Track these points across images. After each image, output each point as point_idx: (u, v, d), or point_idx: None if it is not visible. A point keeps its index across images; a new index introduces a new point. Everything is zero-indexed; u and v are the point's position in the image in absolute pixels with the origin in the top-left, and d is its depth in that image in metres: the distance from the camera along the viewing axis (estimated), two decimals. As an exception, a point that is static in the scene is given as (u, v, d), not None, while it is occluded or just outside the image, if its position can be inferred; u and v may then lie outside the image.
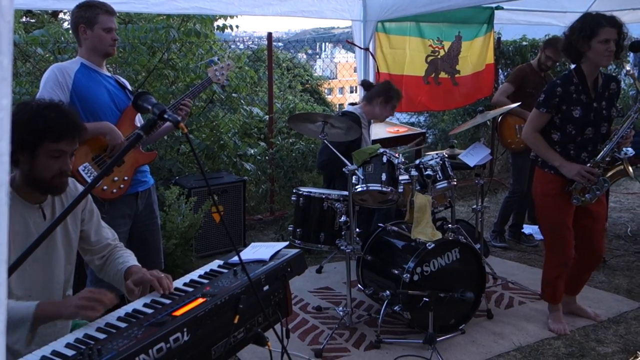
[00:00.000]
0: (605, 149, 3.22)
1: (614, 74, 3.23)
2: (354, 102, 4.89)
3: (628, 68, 3.07)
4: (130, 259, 2.20)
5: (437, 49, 6.12)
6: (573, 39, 3.12)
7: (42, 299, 1.96)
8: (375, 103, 4.32)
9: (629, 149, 4.93)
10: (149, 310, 1.80)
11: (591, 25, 3.05)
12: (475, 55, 6.40)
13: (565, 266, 3.42)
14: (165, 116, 1.62)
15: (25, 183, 1.98)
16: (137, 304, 1.86)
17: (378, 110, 4.35)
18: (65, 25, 6.88)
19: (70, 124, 1.96)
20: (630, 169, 3.31)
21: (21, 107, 1.98)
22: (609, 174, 3.28)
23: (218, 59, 3.26)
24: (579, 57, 3.16)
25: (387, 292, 3.35)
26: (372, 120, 4.59)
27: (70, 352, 1.56)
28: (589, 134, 3.21)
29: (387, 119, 6.32)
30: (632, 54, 8.07)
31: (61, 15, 7.73)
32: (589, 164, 3.23)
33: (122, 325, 1.70)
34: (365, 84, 4.57)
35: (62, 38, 4.99)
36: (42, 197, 2.06)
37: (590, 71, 3.19)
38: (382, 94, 4.30)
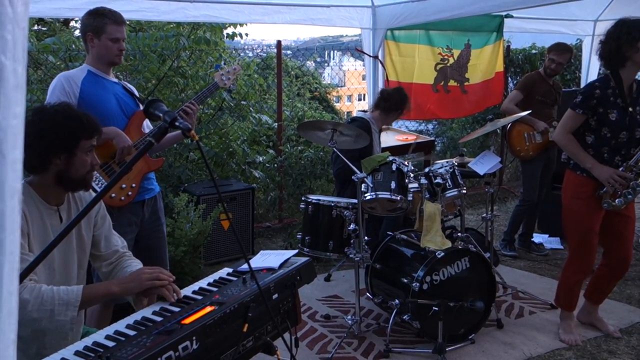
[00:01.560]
0: (638, 153, 3.20)
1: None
2: (364, 109, 4.90)
3: None
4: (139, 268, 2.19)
5: (446, 57, 6.12)
6: (621, 43, 3.11)
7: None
8: (392, 115, 4.45)
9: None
10: (158, 318, 1.79)
11: (638, 28, 3.06)
12: (484, 63, 6.39)
13: (587, 273, 3.40)
14: (177, 124, 1.62)
15: (54, 183, 2.01)
16: (147, 312, 1.85)
17: (391, 118, 4.52)
18: (77, 33, 6.94)
19: (93, 118, 2.04)
20: None
21: (42, 112, 2.01)
22: None
23: (224, 64, 3.25)
24: (623, 62, 3.16)
25: (396, 300, 3.33)
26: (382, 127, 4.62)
27: (79, 360, 1.56)
28: (623, 137, 3.19)
29: (396, 127, 6.32)
30: None
31: (72, 23, 7.79)
32: (621, 168, 3.21)
33: (131, 333, 1.69)
34: (384, 95, 4.54)
35: (74, 46, 5.02)
36: (61, 199, 2.09)
37: (630, 76, 3.19)
38: (399, 107, 4.39)
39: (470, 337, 3.40)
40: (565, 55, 4.80)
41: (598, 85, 3.20)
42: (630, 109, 3.17)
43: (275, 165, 5.89)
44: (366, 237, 3.57)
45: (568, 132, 3.29)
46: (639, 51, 3.09)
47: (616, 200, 3.22)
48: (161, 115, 1.69)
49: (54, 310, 1.81)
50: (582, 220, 3.32)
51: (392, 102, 4.36)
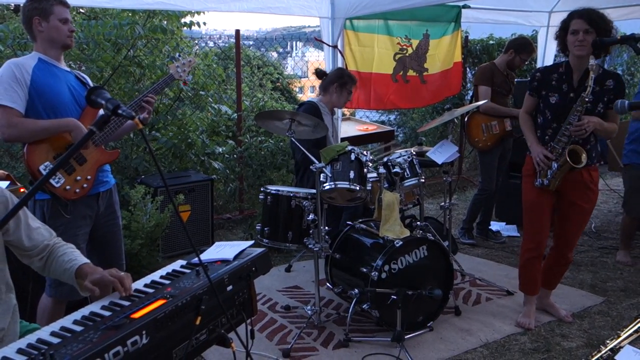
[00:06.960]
0: (559, 132, 3.27)
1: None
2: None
3: (591, 62, 3.10)
4: (76, 255, 2.09)
5: (405, 47, 6.13)
6: (562, 33, 3.27)
7: None
8: (331, 91, 4.38)
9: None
10: (107, 313, 1.73)
11: (566, 19, 3.22)
12: (443, 53, 6.44)
13: (536, 251, 3.48)
14: (119, 111, 1.55)
15: None
16: (95, 307, 1.79)
17: (335, 97, 4.40)
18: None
19: None
20: (581, 159, 3.26)
21: None
22: (560, 161, 3.30)
23: (180, 56, 3.18)
24: (565, 50, 3.31)
25: (356, 290, 3.33)
26: (335, 110, 4.63)
27: (21, 358, 1.50)
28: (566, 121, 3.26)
29: (357, 117, 6.32)
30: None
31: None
32: (549, 148, 3.30)
33: (78, 328, 1.64)
34: (318, 73, 4.55)
35: (23, 34, 4.84)
36: None
37: (575, 63, 3.26)
38: (335, 80, 4.36)
39: (428, 324, 3.44)
40: (533, 54, 5.18)
41: (542, 69, 3.40)
42: (573, 95, 3.23)
43: (235, 156, 5.82)
44: (327, 227, 3.56)
45: (524, 112, 3.51)
46: (568, 41, 3.21)
47: (544, 180, 3.33)
48: (103, 102, 1.62)
49: None
50: (527, 196, 3.47)
51: (328, 78, 4.39)
